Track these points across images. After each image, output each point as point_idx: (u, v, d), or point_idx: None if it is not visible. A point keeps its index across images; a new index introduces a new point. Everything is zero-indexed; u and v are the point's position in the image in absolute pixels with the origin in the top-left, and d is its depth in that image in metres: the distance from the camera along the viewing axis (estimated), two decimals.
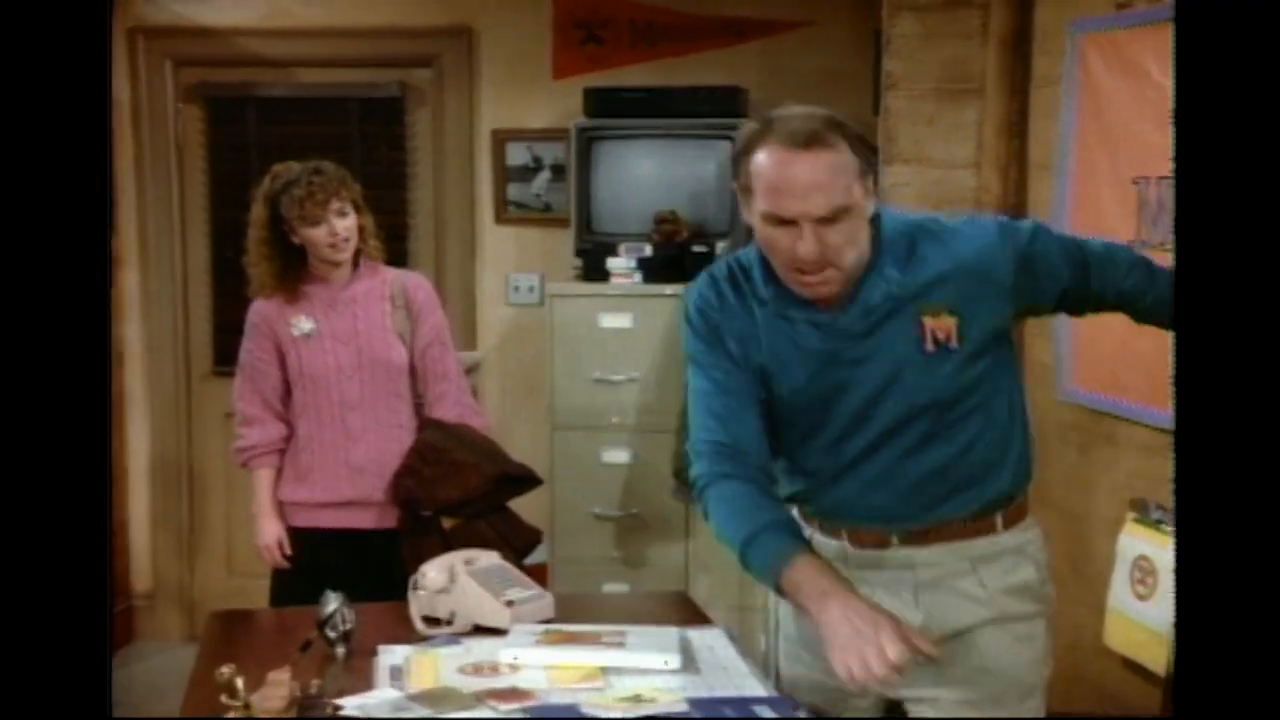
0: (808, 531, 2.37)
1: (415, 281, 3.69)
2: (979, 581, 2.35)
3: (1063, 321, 3.40)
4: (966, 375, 2.28)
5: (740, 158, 2.23)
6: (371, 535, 3.54)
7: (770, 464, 2.36)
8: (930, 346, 2.25)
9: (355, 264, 3.59)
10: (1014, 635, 2.37)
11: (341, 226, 3.49)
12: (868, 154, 2.22)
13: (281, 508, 3.61)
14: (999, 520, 2.37)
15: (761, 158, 2.18)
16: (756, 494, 2.29)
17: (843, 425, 2.31)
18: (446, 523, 3.56)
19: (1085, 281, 2.33)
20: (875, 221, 2.27)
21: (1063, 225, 3.54)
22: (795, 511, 2.41)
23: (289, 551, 3.58)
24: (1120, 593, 3.23)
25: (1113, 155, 3.33)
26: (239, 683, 2.16)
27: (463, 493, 3.52)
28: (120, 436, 5.31)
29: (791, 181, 2.15)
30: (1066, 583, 3.00)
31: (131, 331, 5.37)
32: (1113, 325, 2.53)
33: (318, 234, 3.48)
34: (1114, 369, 3.21)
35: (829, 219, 2.15)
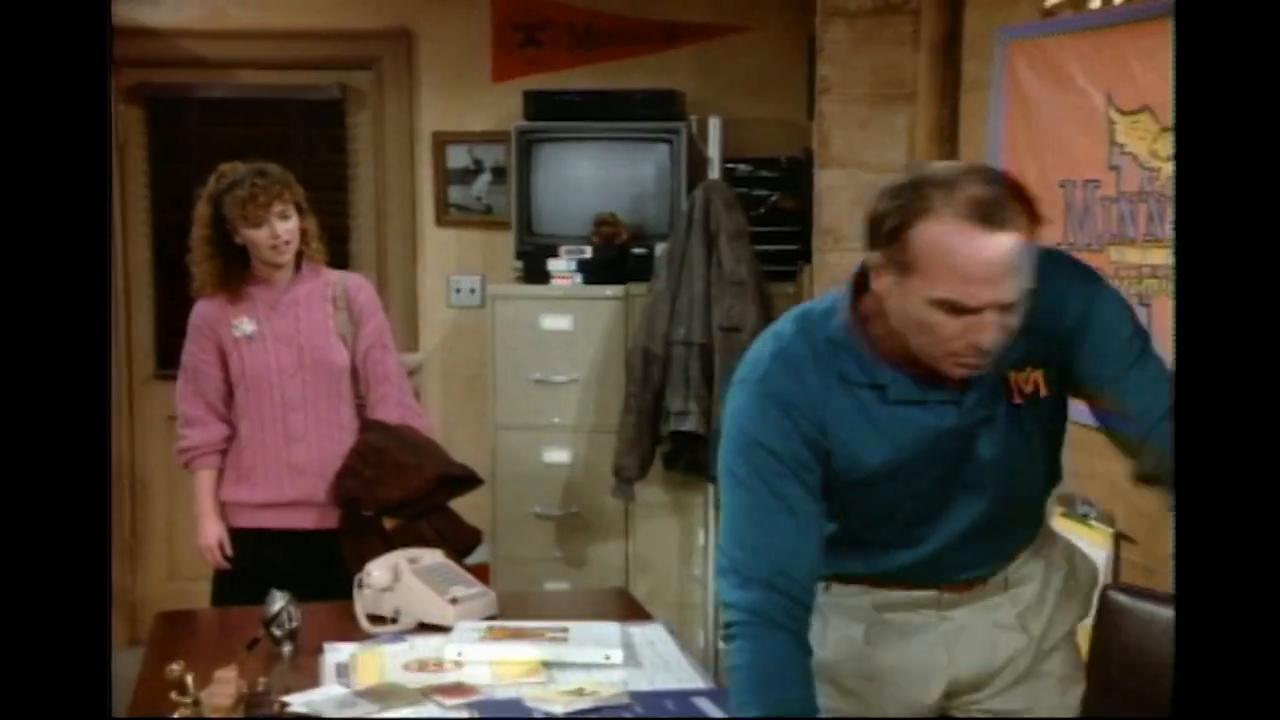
0: (869, 592, 2.18)
1: (357, 283, 3.72)
2: (1046, 564, 2.23)
3: None
4: (1053, 418, 2.11)
5: (897, 228, 1.89)
6: (313, 535, 3.55)
7: (813, 590, 2.05)
8: (1018, 399, 2.04)
9: (298, 266, 3.61)
10: (1078, 631, 2.29)
11: (282, 229, 3.51)
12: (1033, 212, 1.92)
13: (223, 508, 3.63)
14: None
15: (937, 234, 1.85)
16: (792, 655, 1.99)
17: (956, 498, 2.09)
18: (388, 523, 3.58)
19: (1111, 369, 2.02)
20: None
21: None
22: (869, 586, 2.18)
23: (229, 552, 3.59)
24: None
25: (1040, 159, 3.41)
26: (189, 680, 2.20)
27: (403, 493, 3.54)
28: None
29: (985, 268, 1.84)
30: None
31: None
32: None
33: (259, 235, 3.50)
34: None
35: (1007, 305, 1.88)
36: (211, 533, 3.60)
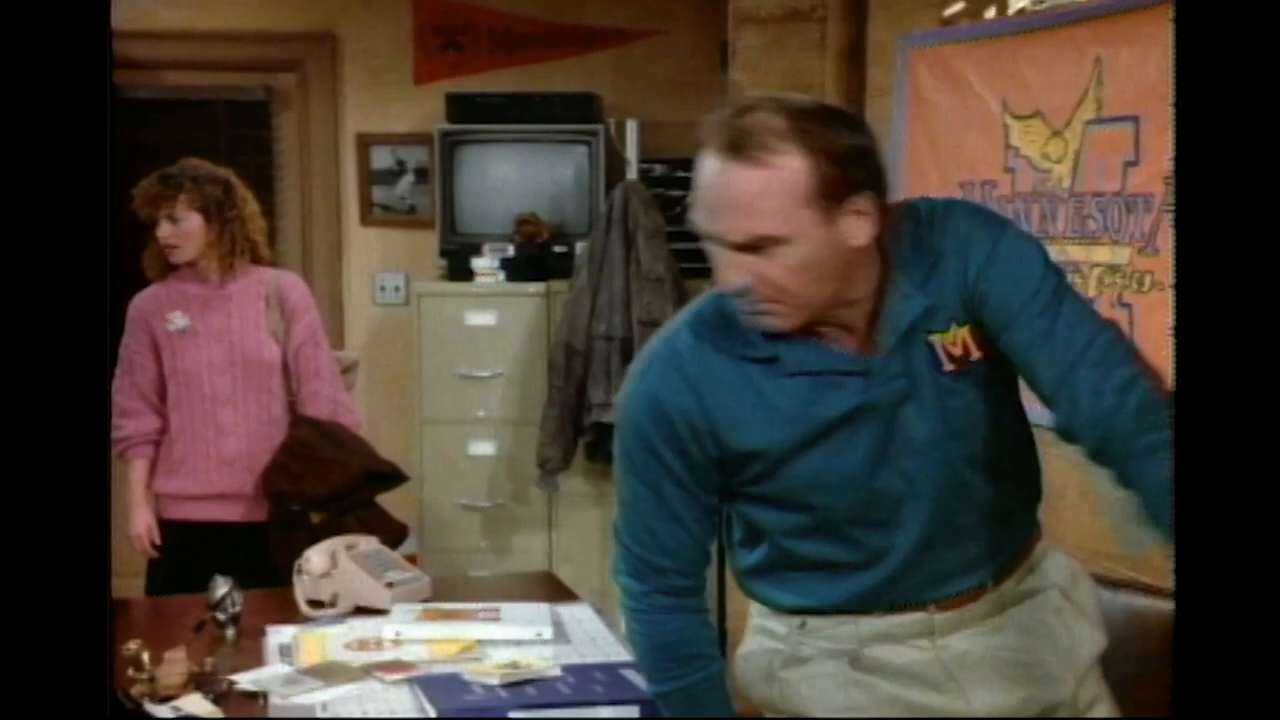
0: (852, 624, 1.91)
1: (290, 282, 3.80)
2: (1056, 585, 1.96)
3: None
4: (998, 387, 1.85)
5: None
6: (241, 528, 3.63)
7: (701, 570, 1.96)
8: (949, 366, 1.81)
9: (230, 265, 3.69)
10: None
11: (166, 231, 3.60)
12: (853, 171, 1.71)
13: (157, 500, 3.72)
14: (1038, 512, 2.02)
15: (701, 157, 1.75)
16: (687, 634, 1.95)
17: (890, 492, 1.84)
18: (315, 517, 3.65)
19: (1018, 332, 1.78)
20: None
21: None
22: (847, 619, 1.92)
23: (157, 541, 3.68)
24: None
25: (940, 160, 3.60)
26: (144, 657, 2.32)
27: (328, 488, 3.63)
28: None
29: (710, 195, 1.72)
30: None
31: None
32: None
33: (157, 233, 3.62)
34: None
35: (752, 248, 1.71)
36: (141, 521, 3.68)
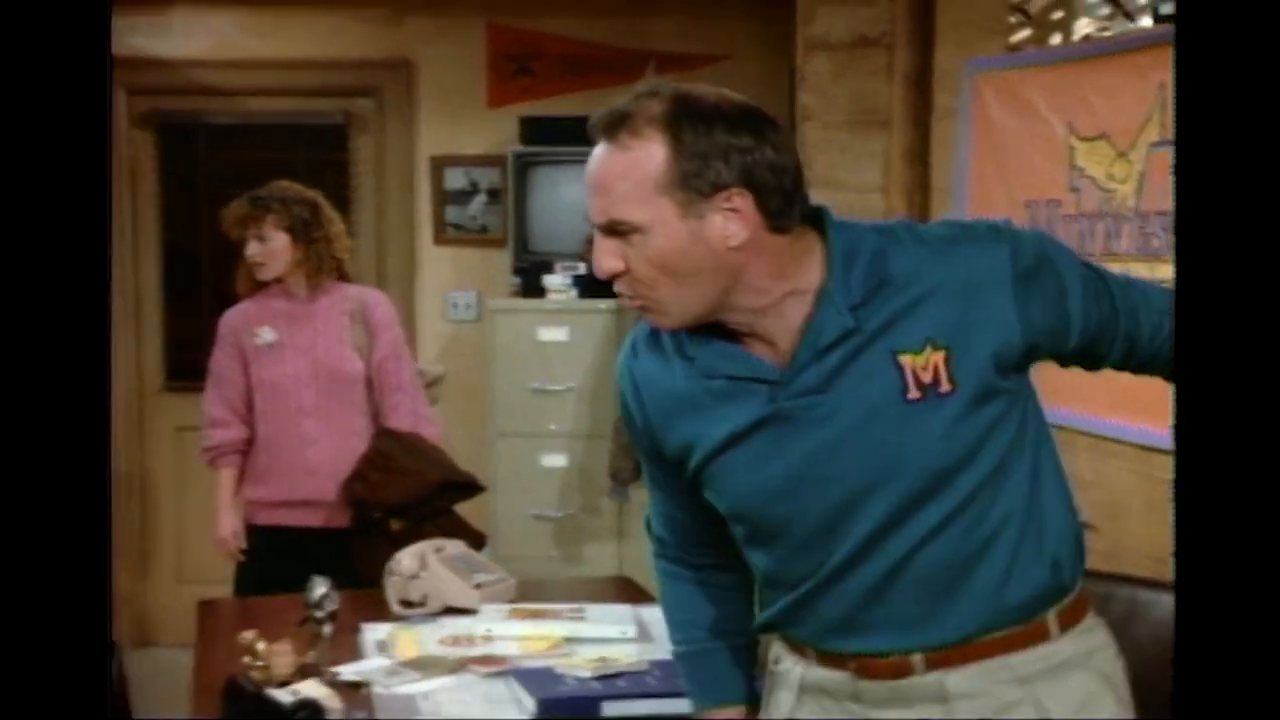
0: (802, 665, 1.84)
1: (374, 299, 3.96)
2: (1039, 709, 1.74)
3: None
4: (971, 427, 1.71)
5: None
6: (324, 533, 3.77)
7: (723, 543, 1.91)
8: (914, 393, 1.69)
9: (317, 282, 3.85)
10: None
11: (254, 250, 3.77)
12: (717, 167, 1.67)
13: (245, 506, 3.87)
14: (1051, 621, 1.76)
15: None
16: (692, 600, 1.99)
17: (818, 515, 1.75)
18: (395, 525, 3.77)
19: (1109, 320, 1.77)
20: (826, 237, 1.74)
21: None
22: (780, 644, 1.88)
23: (242, 545, 3.83)
24: None
25: (1006, 181, 3.70)
26: (259, 646, 2.46)
27: (404, 497, 3.76)
28: None
29: (586, 176, 1.72)
30: None
31: None
32: None
33: (245, 251, 3.79)
34: None
35: (615, 232, 1.70)
36: (227, 525, 3.84)
